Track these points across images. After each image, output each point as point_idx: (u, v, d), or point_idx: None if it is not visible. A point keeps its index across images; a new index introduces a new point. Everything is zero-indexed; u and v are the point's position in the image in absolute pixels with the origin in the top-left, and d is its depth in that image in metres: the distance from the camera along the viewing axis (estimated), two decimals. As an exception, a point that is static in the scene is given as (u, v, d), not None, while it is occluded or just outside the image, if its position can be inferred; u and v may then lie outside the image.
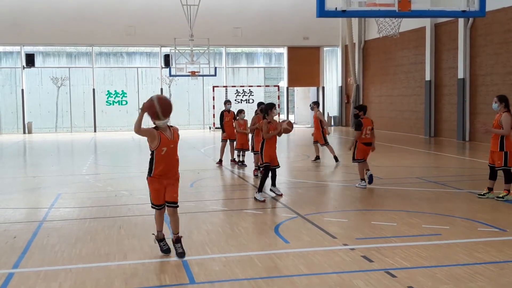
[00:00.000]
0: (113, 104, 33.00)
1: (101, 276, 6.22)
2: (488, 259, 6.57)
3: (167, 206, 6.89)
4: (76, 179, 13.78)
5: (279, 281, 5.95)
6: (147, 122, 6.63)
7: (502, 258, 6.60)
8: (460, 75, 22.62)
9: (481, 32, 21.66)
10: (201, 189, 12.16)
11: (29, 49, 31.99)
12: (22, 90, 31.30)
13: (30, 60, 30.82)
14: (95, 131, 32.26)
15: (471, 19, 21.70)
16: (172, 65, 30.04)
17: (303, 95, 38.02)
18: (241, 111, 15.29)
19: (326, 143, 16.07)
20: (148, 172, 6.86)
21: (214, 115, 32.70)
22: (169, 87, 33.05)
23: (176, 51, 28.40)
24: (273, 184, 11.01)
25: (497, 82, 20.89)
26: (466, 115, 22.55)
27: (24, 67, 31.13)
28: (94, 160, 18.40)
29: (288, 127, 10.66)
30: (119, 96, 33.02)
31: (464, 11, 7.98)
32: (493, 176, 10.30)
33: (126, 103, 33.08)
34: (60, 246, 7.46)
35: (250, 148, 15.01)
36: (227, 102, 16.36)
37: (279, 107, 33.85)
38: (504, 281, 5.85)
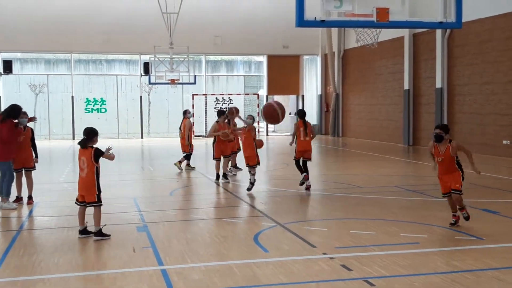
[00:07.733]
0: (92, 112, 32.73)
1: (79, 286, 6.17)
2: (465, 267, 6.65)
3: None
4: (54, 188, 13.65)
5: (258, 290, 5.95)
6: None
7: (479, 266, 6.69)
8: (438, 84, 22.90)
9: (458, 42, 21.97)
10: (180, 197, 12.13)
11: (7, 55, 31.62)
12: (0, 97, 30.95)
13: (7, 66, 30.48)
14: (73, 138, 31.93)
15: (448, 30, 22.00)
16: (151, 73, 29.90)
17: (282, 103, 38.11)
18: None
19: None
20: None
21: (193, 123, 32.64)
22: (149, 95, 32.91)
23: (156, 59, 28.31)
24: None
25: (473, 92, 21.18)
26: (443, 124, 22.79)
27: (1, 74, 30.76)
28: (72, 168, 18.22)
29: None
30: (98, 104, 32.79)
31: (441, 22, 8.07)
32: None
33: (105, 110, 32.86)
34: (37, 255, 7.37)
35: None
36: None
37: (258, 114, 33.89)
38: (480, 289, 5.93)
